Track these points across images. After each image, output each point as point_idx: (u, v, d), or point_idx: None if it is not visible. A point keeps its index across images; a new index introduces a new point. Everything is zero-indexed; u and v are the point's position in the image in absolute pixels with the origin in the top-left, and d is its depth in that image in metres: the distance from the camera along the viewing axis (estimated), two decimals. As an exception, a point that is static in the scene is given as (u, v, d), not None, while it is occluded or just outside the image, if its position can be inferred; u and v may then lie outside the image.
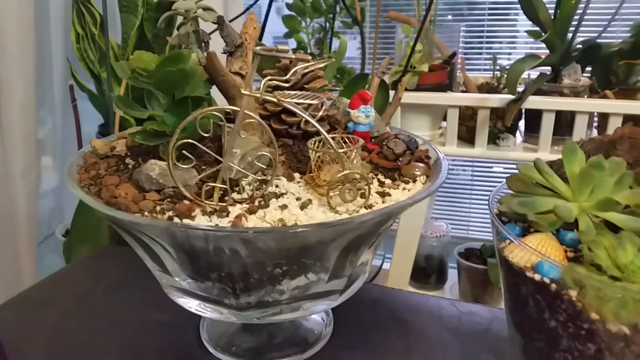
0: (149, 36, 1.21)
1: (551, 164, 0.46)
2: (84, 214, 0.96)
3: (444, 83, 1.23)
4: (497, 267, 1.25)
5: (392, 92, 1.16)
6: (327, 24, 1.38)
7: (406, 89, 1.21)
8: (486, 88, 1.25)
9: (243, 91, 0.37)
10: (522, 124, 1.24)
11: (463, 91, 1.31)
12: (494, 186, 0.46)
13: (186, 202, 0.39)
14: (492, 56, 1.31)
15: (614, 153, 0.48)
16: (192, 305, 0.45)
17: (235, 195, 0.40)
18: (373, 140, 0.51)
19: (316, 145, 0.42)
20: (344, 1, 1.21)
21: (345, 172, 0.38)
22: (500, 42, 1.85)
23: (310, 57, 0.46)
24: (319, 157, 0.41)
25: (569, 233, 0.38)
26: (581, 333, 0.34)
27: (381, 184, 0.44)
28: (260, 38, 1.17)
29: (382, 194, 0.42)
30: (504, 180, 0.45)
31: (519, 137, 1.23)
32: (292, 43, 1.40)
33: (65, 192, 1.49)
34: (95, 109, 1.32)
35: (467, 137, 1.22)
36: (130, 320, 0.57)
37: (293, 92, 0.43)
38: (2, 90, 1.01)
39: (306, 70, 0.46)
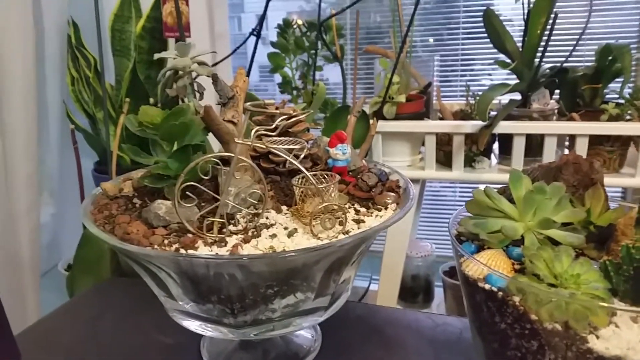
0: (142, 77, 1.28)
1: (503, 189, 0.53)
2: (86, 249, 1.01)
3: (421, 112, 1.31)
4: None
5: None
6: (310, 60, 1.47)
7: (385, 118, 1.29)
8: (460, 115, 1.33)
9: (237, 140, 0.44)
10: (496, 146, 1.33)
11: (440, 118, 1.39)
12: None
13: (190, 235, 0.45)
14: (465, 83, 1.40)
15: (560, 177, 0.55)
16: (194, 325, 0.52)
17: (231, 228, 0.47)
18: (350, 173, 0.58)
19: (299, 181, 0.49)
20: (323, 39, 1.29)
21: (325, 204, 0.45)
22: (473, 69, 1.95)
23: (291, 111, 0.53)
24: (302, 191, 0.48)
25: (516, 249, 0.45)
26: (525, 332, 0.40)
27: (357, 212, 0.51)
28: (249, 72, 1.25)
29: (358, 221, 0.49)
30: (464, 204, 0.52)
31: (493, 159, 1.31)
32: (277, 78, 1.48)
33: (64, 227, 1.55)
34: (90, 147, 1.39)
35: (444, 161, 1.30)
36: (135, 343, 0.63)
37: (279, 139, 0.50)
38: (7, 134, 1.07)
39: (289, 118, 0.53)
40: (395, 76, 1.32)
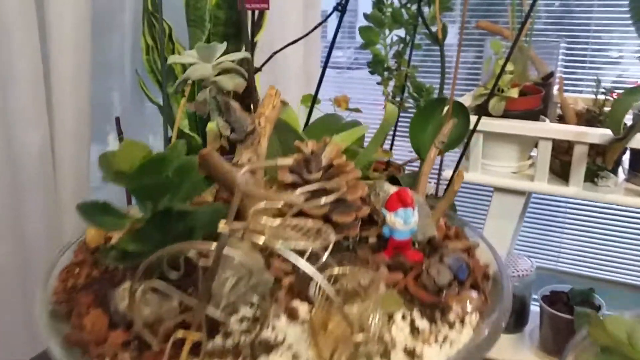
0: (217, 51, 1.16)
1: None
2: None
3: (537, 109, 1.08)
4: (586, 318, 1.08)
5: (473, 118, 1.04)
6: (408, 37, 1.27)
7: (491, 115, 1.07)
8: (586, 117, 1.08)
9: (221, 226, 0.29)
10: (626, 157, 1.07)
11: (559, 117, 1.15)
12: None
13: (155, 349, 0.31)
14: (595, 77, 1.13)
15: None
16: None
17: (216, 341, 0.32)
18: (417, 245, 0.41)
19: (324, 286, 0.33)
20: (423, 18, 1.09)
21: (359, 337, 0.29)
22: (607, 59, 1.62)
23: (333, 152, 0.36)
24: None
25: None
26: None
27: (413, 330, 0.34)
28: (329, 56, 1.08)
29: (411, 354, 0.32)
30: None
31: (621, 174, 1.06)
32: (368, 55, 1.30)
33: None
34: (166, 121, 1.30)
35: (560, 171, 1.07)
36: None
37: (313, 187, 0.34)
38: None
39: (331, 162, 0.37)
40: (509, 64, 1.09)
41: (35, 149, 0.91)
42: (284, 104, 0.48)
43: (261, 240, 0.29)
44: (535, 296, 1.33)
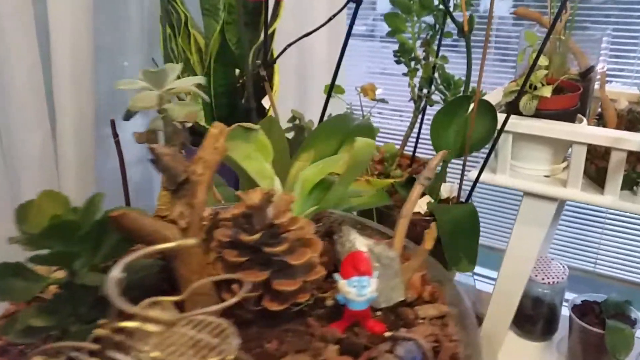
0: (234, 41, 1.12)
1: None
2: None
3: (573, 108, 0.99)
4: (617, 334, 1.00)
5: (501, 117, 0.96)
6: (437, 25, 1.18)
7: (522, 115, 0.99)
8: (628, 117, 0.99)
9: (96, 332, 0.24)
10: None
11: (598, 117, 1.06)
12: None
13: None
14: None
15: None
16: None
17: None
18: (379, 313, 0.36)
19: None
20: (448, 10, 1.00)
21: None
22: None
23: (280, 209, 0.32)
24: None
25: None
26: None
27: None
28: (344, 49, 1.02)
29: None
30: None
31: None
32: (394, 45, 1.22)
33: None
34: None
35: (595, 176, 0.98)
36: None
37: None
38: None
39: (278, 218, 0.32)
40: (543, 58, 1.00)
41: (37, 149, 0.90)
42: (251, 129, 0.43)
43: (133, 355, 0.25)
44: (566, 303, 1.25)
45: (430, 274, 0.47)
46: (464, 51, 1.09)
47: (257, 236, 0.33)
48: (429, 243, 0.41)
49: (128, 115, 0.42)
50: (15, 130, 0.87)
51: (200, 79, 0.46)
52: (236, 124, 0.42)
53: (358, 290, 0.32)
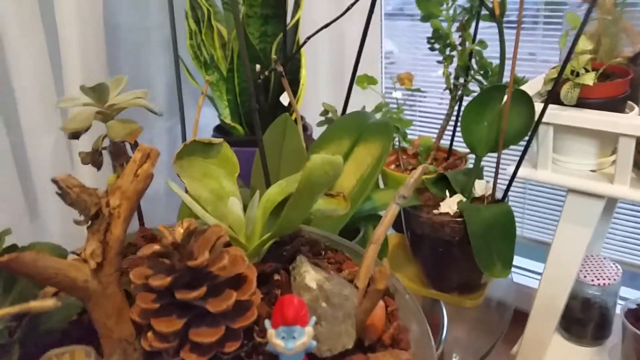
0: (256, 35, 1.08)
1: None
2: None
3: (622, 96, 0.90)
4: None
5: (538, 107, 0.88)
6: (473, 9, 1.10)
7: (563, 104, 0.91)
8: (687, 105, 0.88)
9: None
10: None
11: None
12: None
13: None
14: None
15: None
16: None
17: None
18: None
19: None
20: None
21: None
22: None
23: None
24: None
25: None
26: None
27: None
28: (363, 43, 0.96)
29: None
30: None
31: None
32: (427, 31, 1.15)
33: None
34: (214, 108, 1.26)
35: (648, 171, 0.89)
36: None
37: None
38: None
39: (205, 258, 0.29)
40: (585, 40, 0.91)
41: (49, 151, 0.90)
42: (212, 144, 0.39)
43: None
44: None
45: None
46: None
47: (166, 280, 0.29)
48: (380, 283, 0.34)
49: (75, 135, 0.39)
50: (28, 132, 0.88)
51: (142, 93, 0.43)
52: (192, 139, 0.38)
53: (285, 343, 0.28)
